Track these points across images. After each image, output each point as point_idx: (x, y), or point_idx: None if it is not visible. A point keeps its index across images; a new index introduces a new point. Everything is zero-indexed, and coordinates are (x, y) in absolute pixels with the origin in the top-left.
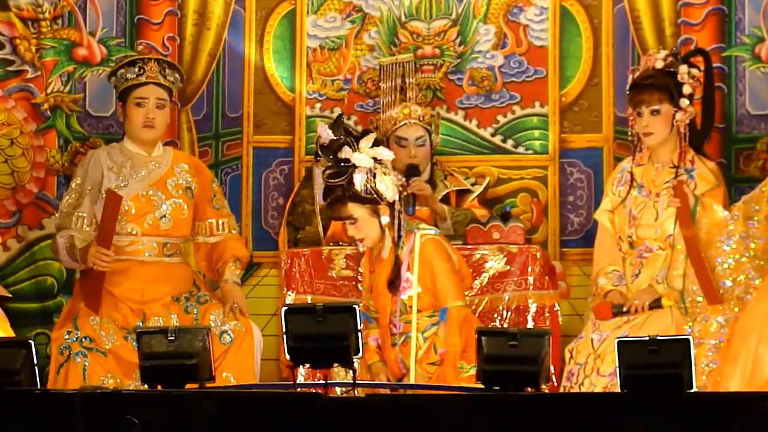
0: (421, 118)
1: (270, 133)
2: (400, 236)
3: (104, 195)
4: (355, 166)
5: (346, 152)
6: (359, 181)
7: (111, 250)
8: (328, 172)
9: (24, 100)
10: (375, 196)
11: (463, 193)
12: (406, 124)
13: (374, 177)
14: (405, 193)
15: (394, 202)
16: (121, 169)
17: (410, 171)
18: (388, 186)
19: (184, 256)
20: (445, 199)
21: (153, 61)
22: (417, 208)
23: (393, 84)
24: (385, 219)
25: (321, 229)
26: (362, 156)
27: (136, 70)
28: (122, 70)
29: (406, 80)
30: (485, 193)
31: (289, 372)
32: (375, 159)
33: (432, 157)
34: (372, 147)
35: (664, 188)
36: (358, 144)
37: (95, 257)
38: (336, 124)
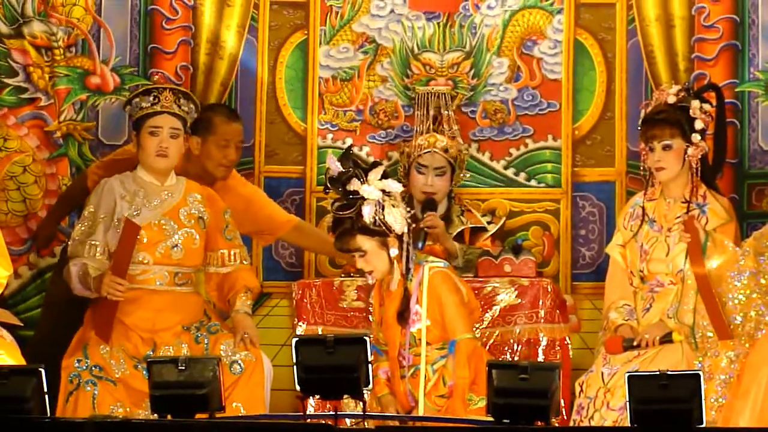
0: (446, 150)
1: (281, 163)
2: (408, 268)
3: (117, 223)
4: (363, 198)
5: (354, 184)
6: (368, 213)
7: (125, 280)
8: (336, 204)
9: (37, 128)
10: (384, 228)
11: (477, 231)
12: (429, 152)
13: (383, 209)
14: (418, 227)
15: (402, 234)
16: (134, 197)
17: (426, 205)
18: (396, 218)
19: (195, 285)
20: (459, 236)
21: (168, 91)
22: (428, 243)
23: (426, 113)
24: (394, 251)
25: None
26: (371, 188)
27: (151, 99)
28: (137, 99)
29: (441, 112)
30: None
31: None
32: (383, 191)
33: (451, 192)
34: (381, 179)
35: (675, 223)
36: (366, 176)
37: (110, 286)
38: (345, 156)
